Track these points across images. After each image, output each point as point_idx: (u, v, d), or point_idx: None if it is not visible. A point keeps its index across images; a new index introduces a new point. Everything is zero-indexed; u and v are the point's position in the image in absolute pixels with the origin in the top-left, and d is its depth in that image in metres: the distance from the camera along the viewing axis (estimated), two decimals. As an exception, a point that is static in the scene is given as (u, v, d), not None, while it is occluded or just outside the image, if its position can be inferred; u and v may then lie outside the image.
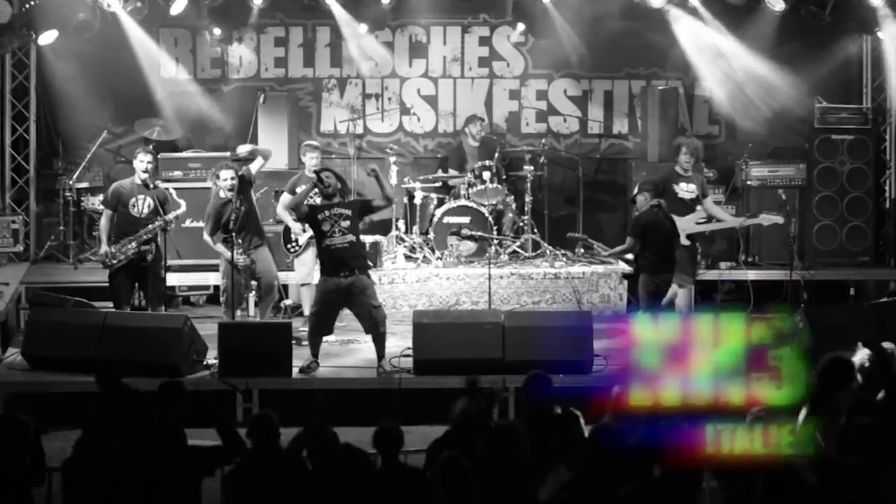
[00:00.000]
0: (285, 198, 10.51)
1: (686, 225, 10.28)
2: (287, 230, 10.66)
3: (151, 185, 10.08)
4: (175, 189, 10.93)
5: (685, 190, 10.44)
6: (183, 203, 10.16)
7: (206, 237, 10.08)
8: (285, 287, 11.54)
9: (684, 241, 10.24)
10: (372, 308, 9.18)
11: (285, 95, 12.57)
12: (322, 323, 9.19)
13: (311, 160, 10.56)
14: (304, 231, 10.36)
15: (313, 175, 9.49)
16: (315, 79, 13.09)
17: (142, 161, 10.04)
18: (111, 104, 12.69)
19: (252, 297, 10.83)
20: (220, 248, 10.03)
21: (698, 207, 10.41)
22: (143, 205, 10.00)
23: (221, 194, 10.06)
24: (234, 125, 12.68)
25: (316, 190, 9.43)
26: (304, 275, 10.61)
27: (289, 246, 10.67)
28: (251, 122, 12.15)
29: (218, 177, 10.06)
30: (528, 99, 13.24)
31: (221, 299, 10.23)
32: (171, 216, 9.96)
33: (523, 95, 13.23)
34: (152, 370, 8.70)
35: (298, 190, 10.45)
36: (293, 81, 13.01)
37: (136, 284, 10.18)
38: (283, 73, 13.02)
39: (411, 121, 13.21)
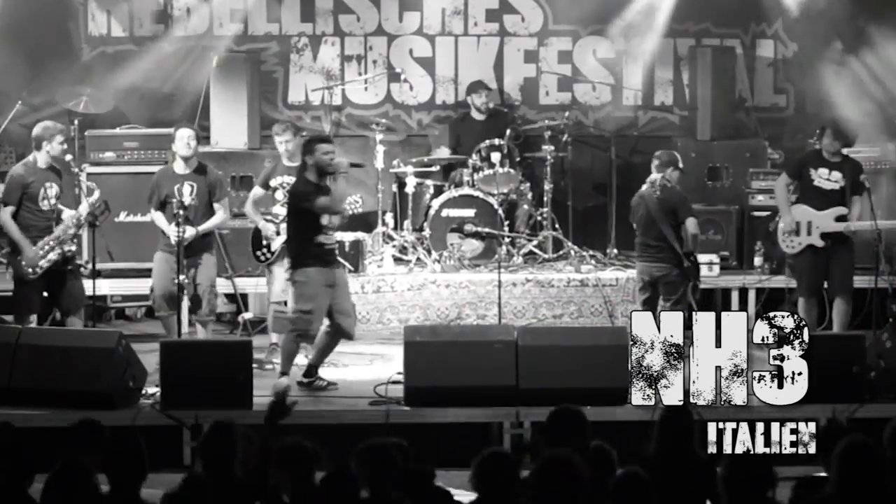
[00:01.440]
0: (257, 192, 10.64)
1: (823, 222, 10.37)
2: (256, 233, 10.64)
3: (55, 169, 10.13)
4: (107, 174, 10.97)
5: (825, 177, 10.46)
6: (95, 187, 10.18)
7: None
8: (244, 297, 11.56)
9: (817, 242, 10.34)
10: (351, 303, 9.81)
11: (244, 57, 12.57)
12: (316, 324, 9.45)
13: (283, 144, 10.59)
14: (279, 234, 10.36)
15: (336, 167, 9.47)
16: (282, 37, 13.10)
17: (61, 141, 10.06)
18: (26, 69, 12.69)
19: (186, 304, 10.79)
20: (158, 219, 10.18)
21: (854, 200, 10.44)
22: (52, 195, 10.06)
23: (176, 168, 10.20)
24: (181, 94, 12.67)
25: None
26: (278, 291, 10.53)
27: (258, 252, 10.58)
28: (202, 91, 12.17)
29: (174, 139, 10.21)
30: (548, 62, 13.25)
31: (154, 305, 10.31)
32: (85, 207, 9.97)
33: (542, 57, 13.24)
34: (79, 401, 8.69)
35: (273, 182, 10.49)
36: (254, 40, 13.02)
37: (47, 292, 10.20)
38: (242, 29, 13.03)
39: (402, 89, 13.21)
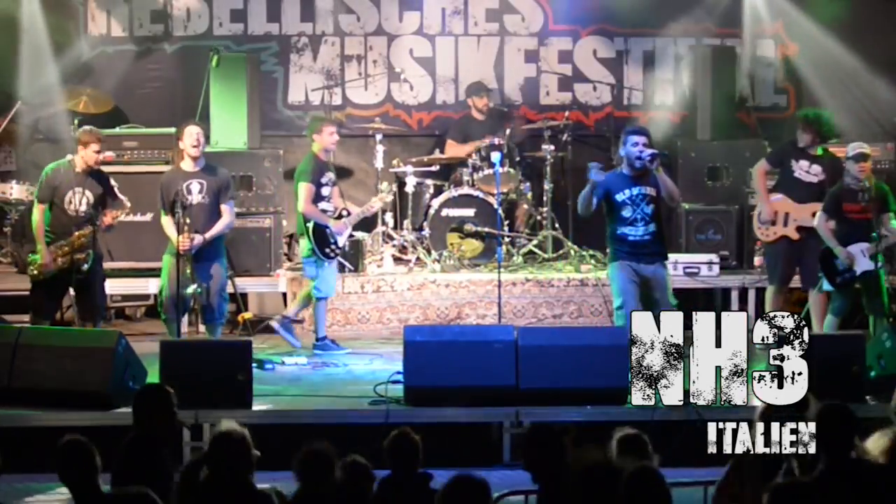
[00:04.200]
0: (312, 189, 10.62)
1: (800, 214, 10.52)
2: (320, 230, 10.62)
3: (92, 174, 10.08)
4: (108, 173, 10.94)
5: (805, 170, 10.64)
6: (126, 201, 10.21)
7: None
8: (244, 297, 11.57)
9: (792, 234, 10.51)
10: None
11: (244, 57, 12.56)
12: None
13: (330, 138, 10.77)
14: (347, 226, 10.67)
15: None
16: (281, 36, 13.10)
17: (98, 151, 10.03)
18: (27, 68, 12.69)
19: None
20: (167, 226, 10.12)
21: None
22: (79, 200, 10.04)
23: (184, 166, 10.20)
24: (181, 94, 12.69)
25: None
26: (331, 286, 10.75)
27: (327, 249, 10.65)
28: (201, 91, 12.17)
29: (180, 136, 10.22)
30: (548, 62, 13.26)
31: (160, 308, 10.31)
32: (109, 218, 9.98)
33: (542, 57, 13.25)
34: (78, 401, 8.70)
35: (324, 179, 10.56)
36: (254, 40, 13.03)
37: (69, 295, 10.28)
38: (242, 29, 13.04)
39: (402, 89, 13.23)
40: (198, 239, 9.97)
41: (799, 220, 10.55)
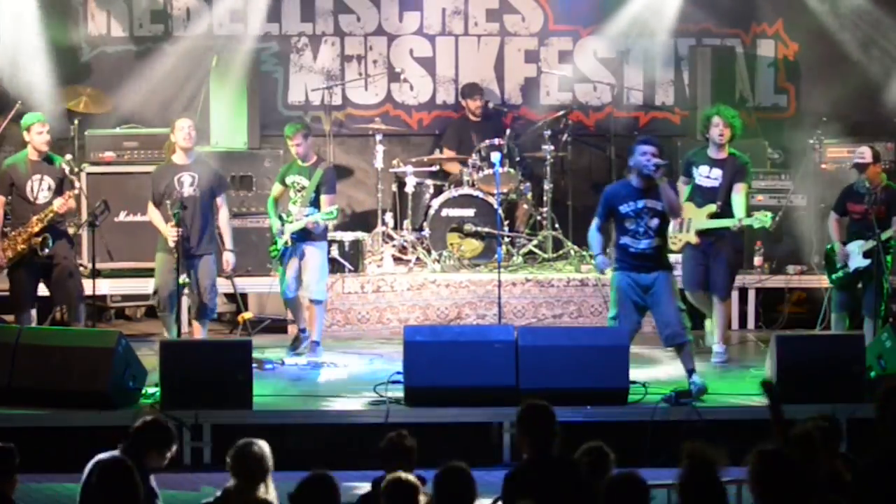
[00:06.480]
0: (276, 188, 10.68)
1: (699, 218, 10.37)
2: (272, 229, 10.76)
3: (45, 160, 10.16)
4: (107, 174, 10.97)
5: (705, 175, 10.46)
6: (77, 182, 10.22)
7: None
8: (244, 297, 11.58)
9: (692, 239, 10.35)
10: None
11: (244, 57, 12.58)
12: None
13: (293, 148, 10.63)
14: (282, 232, 10.41)
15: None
16: (281, 36, 13.12)
17: (41, 132, 10.11)
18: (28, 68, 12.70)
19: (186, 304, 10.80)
20: (155, 218, 10.17)
21: (735, 195, 10.42)
22: (39, 187, 10.11)
23: (176, 159, 10.22)
24: (180, 94, 12.70)
25: None
26: (282, 286, 10.69)
27: (270, 248, 10.71)
28: (201, 91, 12.18)
29: (173, 130, 10.24)
30: (548, 62, 13.26)
31: (154, 304, 10.33)
32: (57, 203, 10.00)
33: (543, 57, 13.26)
34: (78, 401, 8.71)
35: (288, 180, 10.53)
36: (254, 40, 13.03)
37: (42, 286, 10.31)
38: (242, 29, 13.04)
39: (402, 89, 13.24)
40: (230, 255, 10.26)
41: (697, 223, 10.32)
